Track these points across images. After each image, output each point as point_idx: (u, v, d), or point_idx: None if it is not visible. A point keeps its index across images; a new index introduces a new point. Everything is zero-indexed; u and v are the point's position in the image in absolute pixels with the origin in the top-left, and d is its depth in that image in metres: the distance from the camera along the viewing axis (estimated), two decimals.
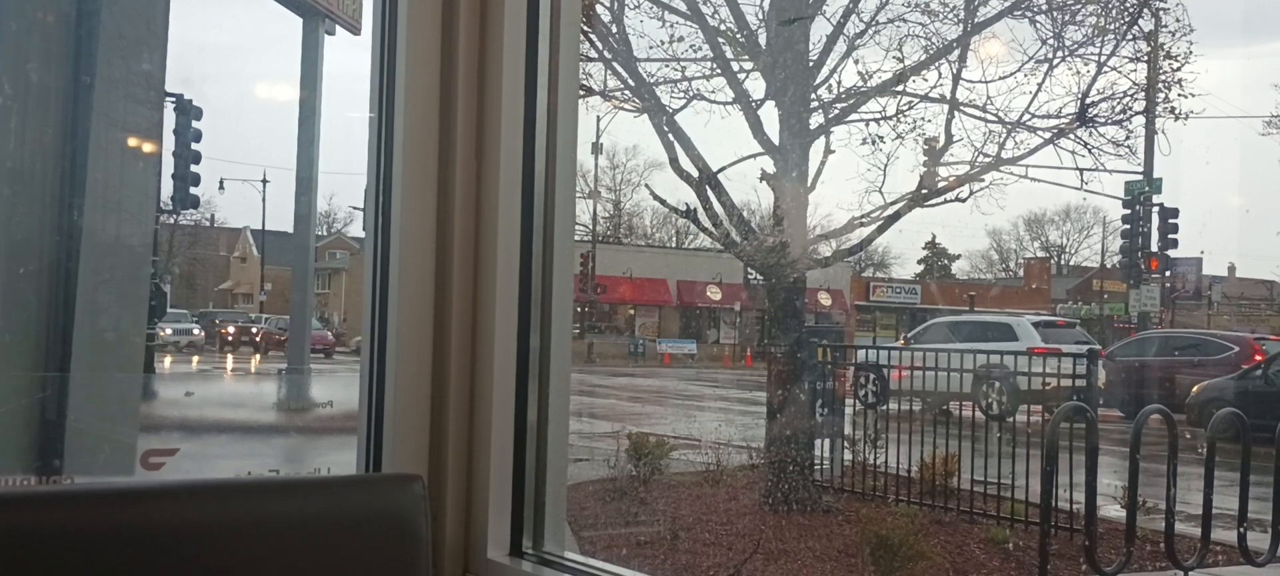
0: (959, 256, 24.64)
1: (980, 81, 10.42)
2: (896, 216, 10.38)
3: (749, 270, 13.79)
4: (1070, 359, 9.03)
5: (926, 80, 10.54)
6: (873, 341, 16.76)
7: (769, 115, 10.48)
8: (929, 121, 10.55)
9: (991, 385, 10.67)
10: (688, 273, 23.44)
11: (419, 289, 2.47)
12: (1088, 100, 10.26)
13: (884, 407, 10.66)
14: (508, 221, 2.43)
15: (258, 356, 17.83)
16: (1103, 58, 10.35)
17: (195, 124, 8.43)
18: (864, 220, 10.53)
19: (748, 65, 10.77)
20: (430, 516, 2.07)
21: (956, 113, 10.39)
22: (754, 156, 10.42)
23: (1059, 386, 8.96)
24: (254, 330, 19.13)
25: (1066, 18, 10.59)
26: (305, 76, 8.43)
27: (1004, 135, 10.39)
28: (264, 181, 17.80)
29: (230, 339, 18.77)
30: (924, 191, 10.40)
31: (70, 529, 1.75)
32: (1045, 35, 10.41)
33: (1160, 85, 10.37)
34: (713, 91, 10.74)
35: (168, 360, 13.93)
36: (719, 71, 10.77)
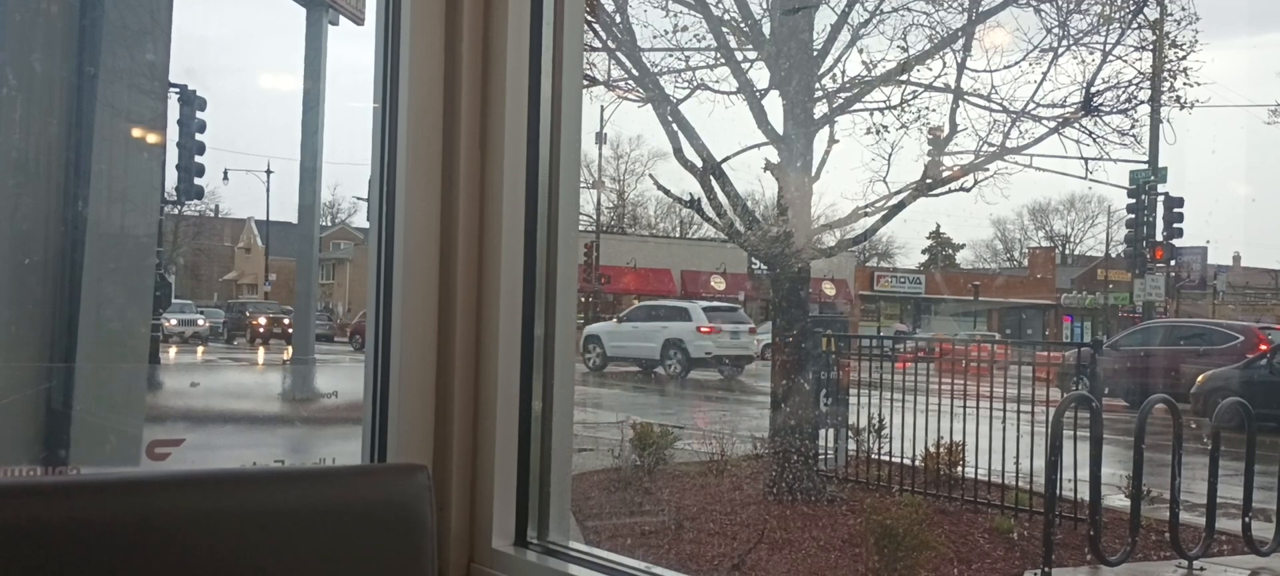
0: (963, 246, 24.53)
1: (985, 70, 10.40)
2: (901, 206, 10.36)
3: (753, 260, 13.78)
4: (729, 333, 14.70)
5: (931, 69, 10.51)
6: (877, 330, 16.81)
7: (773, 105, 10.46)
8: (933, 111, 10.52)
9: (671, 354, 15.98)
10: (692, 263, 23.37)
11: (424, 279, 2.47)
12: (1092, 89, 10.23)
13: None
14: (512, 211, 2.43)
15: (290, 348, 17.67)
16: (1107, 46, 10.31)
17: (199, 114, 8.40)
18: (868, 210, 10.52)
19: (752, 55, 10.75)
20: (435, 506, 2.06)
21: (961, 102, 10.36)
22: (758, 146, 10.41)
23: (722, 357, 14.41)
24: (286, 321, 18.87)
25: (1071, 6, 10.55)
26: (309, 67, 8.41)
27: (1008, 124, 10.37)
28: (268, 172, 17.76)
29: (261, 331, 18.55)
30: (928, 181, 10.39)
31: (76, 519, 1.76)
32: (1050, 24, 10.37)
33: (1165, 74, 10.33)
34: (717, 81, 10.72)
35: (173, 351, 13.92)
36: (723, 61, 10.74)
